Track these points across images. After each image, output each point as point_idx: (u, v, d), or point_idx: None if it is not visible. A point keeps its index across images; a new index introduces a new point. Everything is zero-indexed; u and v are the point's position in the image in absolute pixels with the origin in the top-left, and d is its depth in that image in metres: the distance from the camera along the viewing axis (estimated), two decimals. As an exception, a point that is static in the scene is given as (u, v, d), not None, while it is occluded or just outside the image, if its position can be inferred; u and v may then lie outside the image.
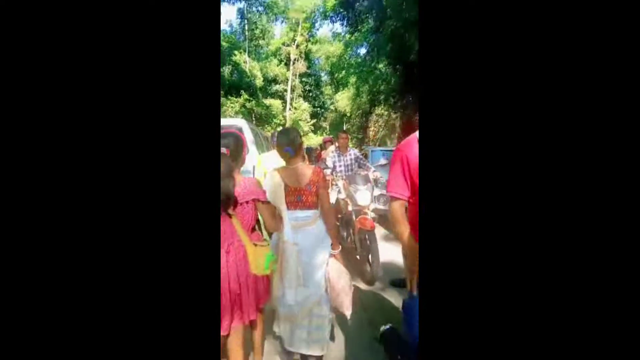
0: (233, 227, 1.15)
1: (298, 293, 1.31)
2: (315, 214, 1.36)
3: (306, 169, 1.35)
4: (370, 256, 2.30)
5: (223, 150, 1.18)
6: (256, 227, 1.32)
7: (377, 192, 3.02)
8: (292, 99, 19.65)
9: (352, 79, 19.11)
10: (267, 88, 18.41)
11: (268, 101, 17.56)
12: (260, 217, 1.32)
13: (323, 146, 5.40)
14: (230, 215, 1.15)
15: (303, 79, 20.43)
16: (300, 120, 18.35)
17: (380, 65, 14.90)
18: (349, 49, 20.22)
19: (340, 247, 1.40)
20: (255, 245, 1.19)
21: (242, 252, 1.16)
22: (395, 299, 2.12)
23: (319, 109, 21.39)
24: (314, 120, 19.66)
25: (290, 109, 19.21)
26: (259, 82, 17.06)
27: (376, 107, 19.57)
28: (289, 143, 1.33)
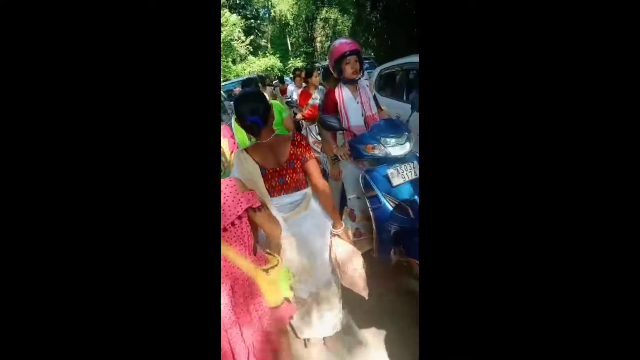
0: (227, 263, 0.90)
1: (310, 284, 1.20)
2: (306, 194, 1.17)
3: (282, 142, 1.11)
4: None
5: None
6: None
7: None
8: (215, 12, 15.34)
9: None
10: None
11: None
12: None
13: (297, 75, 3.79)
14: None
15: (223, -18, 15.69)
16: (232, 40, 14.63)
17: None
18: None
19: (343, 224, 1.25)
20: (267, 271, 0.95)
21: (249, 290, 0.92)
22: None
23: (252, 20, 17.29)
24: (251, 38, 15.92)
25: (216, 26, 15.11)
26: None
27: (320, 10, 16.53)
28: (252, 111, 1.03)
